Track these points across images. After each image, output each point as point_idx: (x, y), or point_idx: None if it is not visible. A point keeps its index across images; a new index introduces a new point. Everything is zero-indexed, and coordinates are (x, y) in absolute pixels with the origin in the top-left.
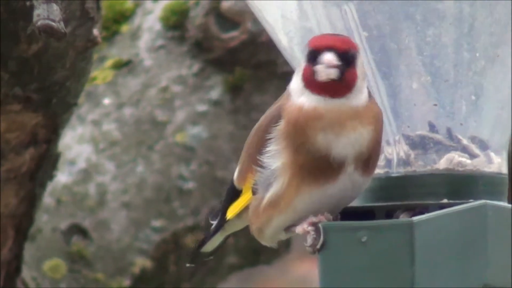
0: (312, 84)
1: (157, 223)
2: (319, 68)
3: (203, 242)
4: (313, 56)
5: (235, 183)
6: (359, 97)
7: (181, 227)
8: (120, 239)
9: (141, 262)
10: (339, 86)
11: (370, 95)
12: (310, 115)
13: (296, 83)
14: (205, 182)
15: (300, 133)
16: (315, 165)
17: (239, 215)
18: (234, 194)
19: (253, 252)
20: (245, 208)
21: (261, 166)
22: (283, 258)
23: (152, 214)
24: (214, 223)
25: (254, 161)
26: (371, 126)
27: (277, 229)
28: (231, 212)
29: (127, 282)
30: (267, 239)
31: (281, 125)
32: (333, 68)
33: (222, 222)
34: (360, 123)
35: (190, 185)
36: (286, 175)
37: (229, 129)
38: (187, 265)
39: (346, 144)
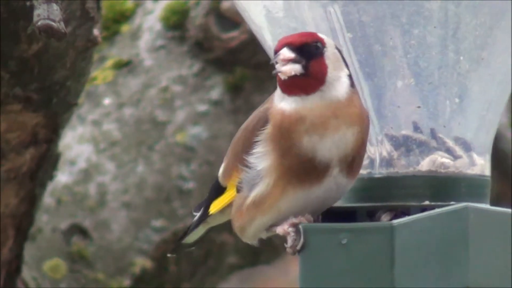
0: (283, 86)
1: (157, 223)
2: (277, 67)
3: (185, 234)
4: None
5: (220, 179)
6: (336, 87)
7: (181, 227)
8: (120, 239)
9: (141, 262)
10: (308, 80)
11: (353, 86)
12: (292, 118)
13: (277, 89)
14: (205, 182)
15: (286, 137)
16: (301, 168)
17: (222, 210)
18: (218, 190)
19: (253, 252)
20: (228, 204)
21: (247, 166)
22: (283, 258)
23: (152, 214)
24: (197, 215)
25: (240, 160)
26: (356, 127)
27: (260, 228)
28: (214, 208)
29: (127, 282)
30: (249, 237)
31: (268, 128)
32: (293, 63)
33: (205, 216)
34: (344, 122)
35: (190, 185)
36: (272, 176)
37: (229, 129)
38: (168, 255)
39: (330, 146)
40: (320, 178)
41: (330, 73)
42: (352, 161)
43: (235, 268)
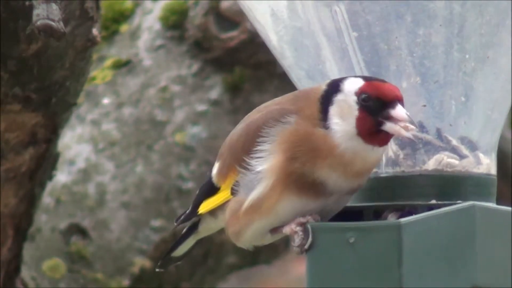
0: (369, 134)
1: (156, 223)
2: (394, 125)
3: (173, 247)
4: (377, 106)
5: (214, 179)
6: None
7: (180, 227)
8: (120, 239)
9: (141, 262)
10: (389, 137)
11: None
12: (343, 158)
13: (342, 125)
14: None
15: (310, 158)
16: (303, 182)
17: (215, 215)
18: (211, 190)
19: (253, 252)
20: (221, 208)
21: (245, 168)
22: (283, 257)
23: (151, 214)
24: (186, 227)
25: (238, 161)
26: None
27: (257, 232)
28: (204, 207)
29: (126, 282)
30: (245, 242)
31: (288, 129)
32: (410, 124)
33: (193, 215)
34: (370, 172)
35: (189, 185)
36: (271, 178)
37: (229, 129)
38: (156, 269)
39: (346, 184)
40: (319, 197)
41: None
42: (357, 188)
43: (234, 268)
